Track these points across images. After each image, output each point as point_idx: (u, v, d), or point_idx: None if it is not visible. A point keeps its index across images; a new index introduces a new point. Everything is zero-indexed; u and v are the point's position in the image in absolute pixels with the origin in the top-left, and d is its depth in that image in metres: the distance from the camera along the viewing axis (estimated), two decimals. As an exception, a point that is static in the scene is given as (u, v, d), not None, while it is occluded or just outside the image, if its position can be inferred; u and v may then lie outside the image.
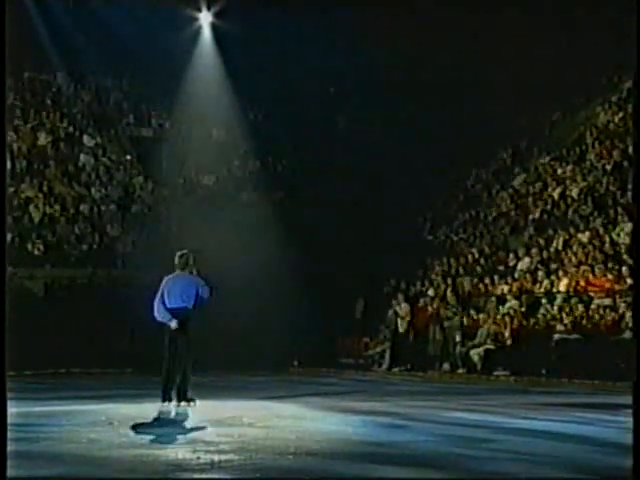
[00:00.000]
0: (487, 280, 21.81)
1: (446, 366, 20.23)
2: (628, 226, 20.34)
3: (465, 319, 20.66)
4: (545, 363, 18.41)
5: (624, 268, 19.02)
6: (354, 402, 13.48)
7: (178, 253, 12.75)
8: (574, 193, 23.62)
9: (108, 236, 24.70)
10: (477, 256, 23.53)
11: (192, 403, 12.35)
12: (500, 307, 20.42)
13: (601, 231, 21.17)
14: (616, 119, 25.43)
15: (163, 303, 12.46)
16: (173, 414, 11.52)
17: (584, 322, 18.55)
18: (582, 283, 19.65)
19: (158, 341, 12.66)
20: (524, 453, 7.92)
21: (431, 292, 22.52)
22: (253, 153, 28.98)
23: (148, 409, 11.67)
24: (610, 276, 19.27)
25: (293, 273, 22.60)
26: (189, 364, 12.51)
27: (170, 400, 12.34)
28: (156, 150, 27.40)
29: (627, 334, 17.36)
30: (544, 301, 19.81)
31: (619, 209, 21.49)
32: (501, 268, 22.34)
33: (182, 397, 12.39)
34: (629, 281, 18.51)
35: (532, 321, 19.53)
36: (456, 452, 8.00)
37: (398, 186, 26.66)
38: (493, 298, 20.84)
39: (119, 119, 29.13)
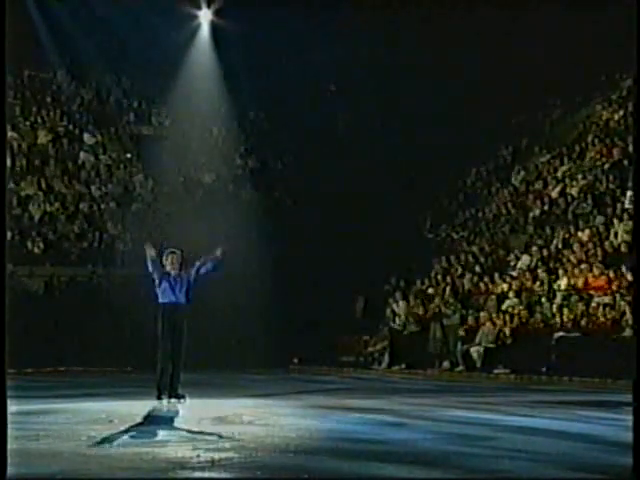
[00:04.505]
0: (487, 278, 21.81)
1: (446, 364, 20.24)
2: (628, 224, 20.34)
3: (465, 317, 20.66)
4: (545, 361, 18.42)
5: (624, 266, 19.02)
6: (354, 400, 13.49)
7: (168, 251, 12.73)
8: (574, 191, 23.63)
9: (108, 234, 24.70)
10: (477, 254, 23.53)
11: (182, 400, 12.35)
12: (500, 305, 20.43)
13: (601, 229, 21.17)
14: (616, 117, 25.43)
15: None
16: (173, 412, 11.51)
17: (584, 320, 18.56)
18: (582, 281, 19.66)
19: (155, 338, 12.68)
20: (524, 451, 7.91)
21: (431, 290, 22.53)
22: (253, 151, 28.98)
23: (148, 407, 11.67)
24: (610, 274, 19.27)
25: (293, 271, 22.62)
26: (181, 361, 12.53)
27: (164, 397, 12.36)
28: (156, 148, 27.39)
29: (627, 332, 17.37)
30: (544, 299, 19.82)
31: (619, 207, 21.49)
32: (501, 266, 22.34)
33: (172, 393, 12.41)
34: (629, 279, 18.52)
35: (532, 319, 19.54)
36: (456, 450, 7.99)
37: (398, 184, 26.66)
38: (493, 296, 20.85)
39: (119, 117, 29.12)
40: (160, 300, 12.53)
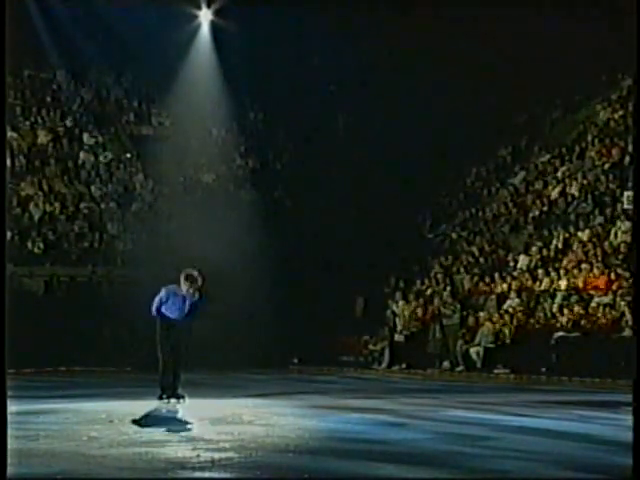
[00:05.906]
0: (487, 278, 21.81)
1: (446, 364, 20.24)
2: (627, 224, 20.34)
3: (465, 317, 20.65)
4: (545, 361, 18.42)
5: (624, 266, 19.02)
6: (354, 400, 13.49)
7: (186, 272, 12.59)
8: (574, 191, 23.62)
9: (108, 234, 24.70)
10: (477, 254, 23.53)
11: (182, 400, 12.42)
12: (500, 305, 20.42)
13: (601, 229, 21.17)
14: (616, 117, 25.40)
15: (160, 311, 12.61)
16: (173, 412, 11.52)
17: (584, 320, 18.56)
18: (582, 281, 19.65)
19: (155, 339, 12.71)
20: (523, 451, 7.91)
21: (431, 290, 22.52)
22: (253, 151, 28.98)
23: (148, 407, 11.67)
24: (610, 274, 19.26)
25: (293, 271, 22.61)
26: (182, 361, 12.57)
27: (166, 397, 12.41)
28: (156, 148, 27.37)
29: (627, 332, 17.37)
30: (544, 299, 19.82)
31: (619, 207, 21.48)
32: (501, 266, 22.34)
33: (172, 393, 12.47)
34: (629, 279, 18.52)
35: (532, 319, 19.53)
36: (455, 450, 8.00)
37: (398, 184, 26.65)
38: (493, 296, 20.85)
39: (119, 117, 29.11)
40: (163, 312, 12.56)
